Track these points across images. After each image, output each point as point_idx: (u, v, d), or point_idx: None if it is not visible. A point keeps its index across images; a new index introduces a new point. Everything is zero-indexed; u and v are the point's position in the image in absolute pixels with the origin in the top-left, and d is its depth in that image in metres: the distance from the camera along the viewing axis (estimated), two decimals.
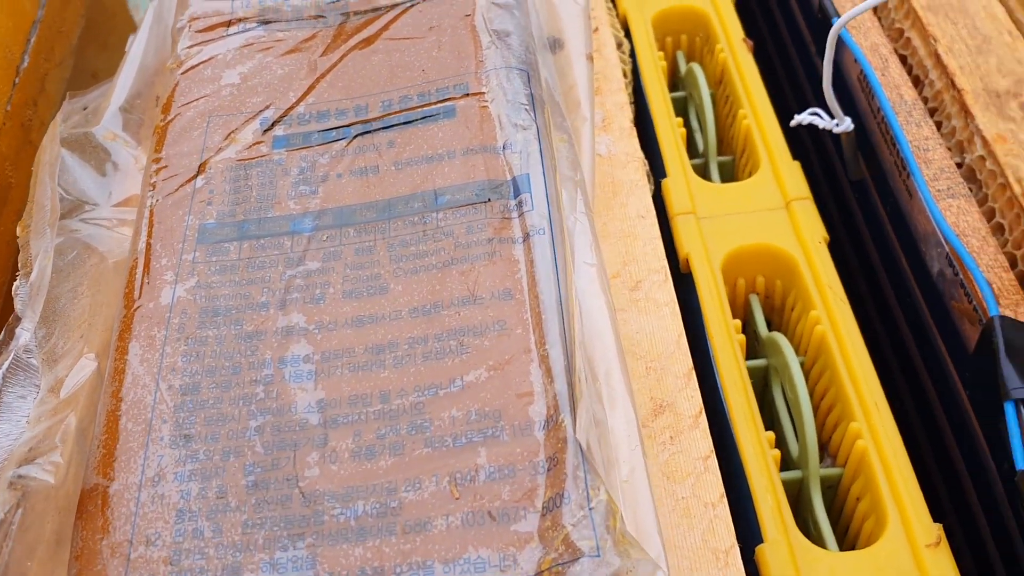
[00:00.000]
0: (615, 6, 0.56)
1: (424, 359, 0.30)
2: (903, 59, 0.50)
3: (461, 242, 0.33)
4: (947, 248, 0.39)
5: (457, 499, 0.27)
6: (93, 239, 0.41)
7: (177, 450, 0.29)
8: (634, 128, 0.47)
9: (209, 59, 0.42)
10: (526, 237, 0.33)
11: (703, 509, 0.33)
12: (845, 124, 0.40)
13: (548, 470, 0.27)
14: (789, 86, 0.58)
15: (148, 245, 0.35)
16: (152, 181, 0.38)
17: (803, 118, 0.41)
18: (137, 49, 0.50)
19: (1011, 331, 0.36)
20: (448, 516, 0.27)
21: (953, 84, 0.45)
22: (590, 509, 0.26)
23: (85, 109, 0.48)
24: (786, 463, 0.41)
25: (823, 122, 0.40)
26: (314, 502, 0.28)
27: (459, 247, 0.33)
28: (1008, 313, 0.37)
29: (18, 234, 0.41)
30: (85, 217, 0.42)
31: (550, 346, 0.30)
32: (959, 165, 0.44)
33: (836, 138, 0.51)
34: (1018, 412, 0.34)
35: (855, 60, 0.47)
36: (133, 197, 0.44)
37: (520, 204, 0.34)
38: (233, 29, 0.44)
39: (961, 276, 0.39)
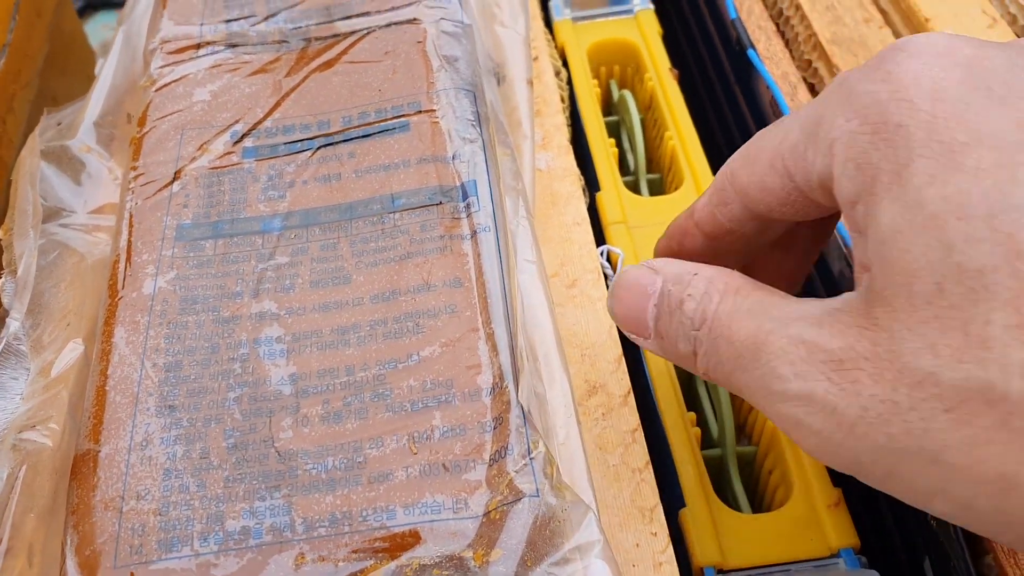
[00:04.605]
0: (554, 38, 0.61)
1: (384, 338, 0.34)
2: (811, 87, 0.55)
3: (416, 238, 0.38)
4: (845, 250, 0.45)
5: (415, 454, 0.31)
6: (72, 241, 0.44)
7: (162, 418, 0.33)
8: (571, 147, 0.51)
9: (181, 78, 0.46)
10: (474, 234, 0.37)
11: (631, 474, 0.38)
12: None
13: (494, 428, 0.31)
14: (711, 110, 0.64)
15: (129, 243, 0.38)
16: (131, 187, 0.41)
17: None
18: (108, 70, 0.54)
19: None
20: (407, 468, 0.31)
21: None
22: (530, 459, 0.30)
23: (59, 124, 0.51)
24: (707, 444, 0.45)
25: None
26: (288, 459, 0.31)
27: (414, 243, 0.37)
28: None
29: (0, 237, 0.44)
30: (63, 222, 0.45)
31: (495, 325, 0.34)
32: None
33: None
34: None
35: (767, 87, 0.52)
36: (107, 205, 0.47)
37: (468, 206, 0.38)
38: (202, 51, 0.48)
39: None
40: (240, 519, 0.30)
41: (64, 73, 0.81)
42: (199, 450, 0.32)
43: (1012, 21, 0.56)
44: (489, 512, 0.29)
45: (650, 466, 0.38)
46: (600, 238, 0.49)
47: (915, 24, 0.55)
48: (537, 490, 0.30)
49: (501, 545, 0.29)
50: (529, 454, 0.31)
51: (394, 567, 0.29)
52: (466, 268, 0.36)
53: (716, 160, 0.54)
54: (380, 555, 0.29)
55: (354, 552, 0.29)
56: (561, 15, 0.62)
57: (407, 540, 0.29)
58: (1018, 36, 0.54)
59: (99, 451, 0.32)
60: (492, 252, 0.37)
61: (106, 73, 0.54)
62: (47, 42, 0.74)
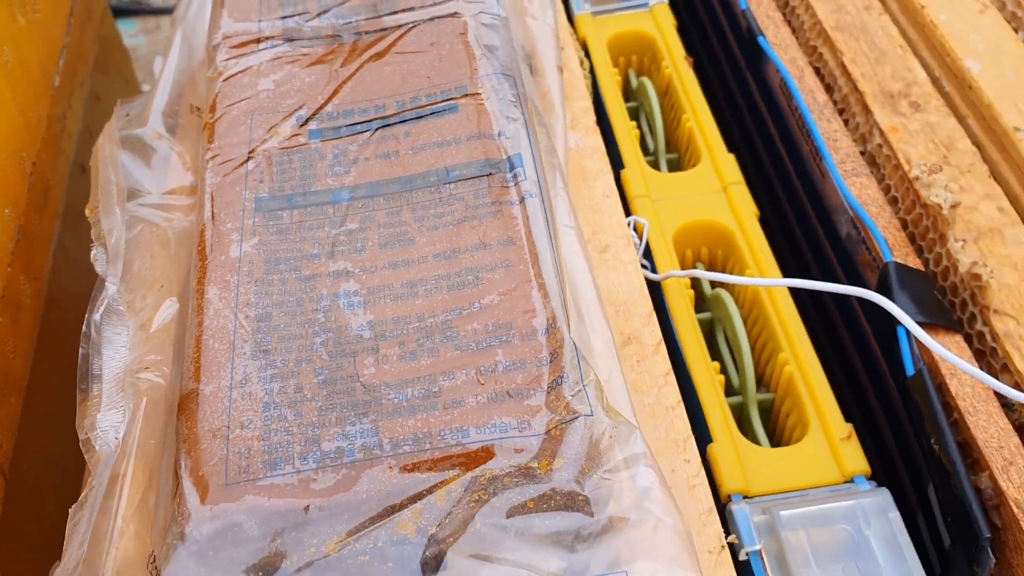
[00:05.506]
0: (575, 30, 0.66)
1: (448, 289, 0.39)
2: (816, 70, 0.60)
3: (470, 204, 0.42)
4: (852, 215, 0.49)
5: (482, 385, 0.36)
6: (151, 218, 0.49)
7: (258, 361, 0.37)
8: (597, 128, 0.56)
9: (245, 69, 0.51)
10: (522, 200, 0.42)
11: (665, 411, 0.42)
12: None
13: (550, 362, 0.36)
14: (722, 93, 0.68)
15: (213, 214, 0.43)
16: (208, 166, 0.46)
17: None
18: (170, 65, 0.58)
19: (902, 273, 0.46)
20: (477, 396, 0.35)
21: (856, 88, 0.55)
22: (584, 385, 0.35)
23: (128, 115, 0.56)
24: (729, 392, 0.50)
25: None
26: (373, 391, 0.36)
27: (469, 208, 0.42)
28: (900, 261, 0.47)
29: (87, 214, 0.49)
30: (141, 202, 0.50)
31: (546, 276, 0.39)
32: (862, 153, 0.54)
33: (765, 138, 0.61)
34: (907, 333, 0.44)
35: (776, 70, 0.57)
36: (179, 187, 0.52)
37: (515, 176, 0.43)
38: (262, 45, 0.52)
39: (863, 235, 0.48)
40: (334, 441, 0.35)
41: (105, 74, 0.86)
42: (293, 386, 0.36)
43: (1001, 7, 0.60)
44: (550, 430, 0.34)
45: (682, 404, 0.43)
46: (626, 211, 0.54)
47: (911, 10, 0.60)
48: (591, 410, 0.34)
49: (562, 455, 0.33)
50: (583, 381, 0.35)
51: (470, 477, 0.33)
52: (517, 229, 0.41)
53: (728, 139, 0.59)
54: (457, 468, 0.34)
55: (435, 465, 0.34)
56: (581, 9, 0.67)
57: (480, 455, 0.34)
58: (1008, 22, 0.59)
59: (202, 390, 0.37)
60: (539, 215, 0.41)
61: (168, 68, 0.58)
62: (96, 44, 0.79)
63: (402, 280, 0.40)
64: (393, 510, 0.33)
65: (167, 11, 1.70)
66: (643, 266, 0.49)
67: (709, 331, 0.52)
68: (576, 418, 0.34)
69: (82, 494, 0.34)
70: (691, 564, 0.32)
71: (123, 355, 0.39)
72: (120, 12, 1.60)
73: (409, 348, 0.37)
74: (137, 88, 0.99)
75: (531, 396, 0.35)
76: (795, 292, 0.50)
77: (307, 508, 0.33)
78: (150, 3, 1.70)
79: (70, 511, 0.34)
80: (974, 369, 0.38)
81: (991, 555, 0.38)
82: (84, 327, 0.40)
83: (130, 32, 1.66)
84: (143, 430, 0.35)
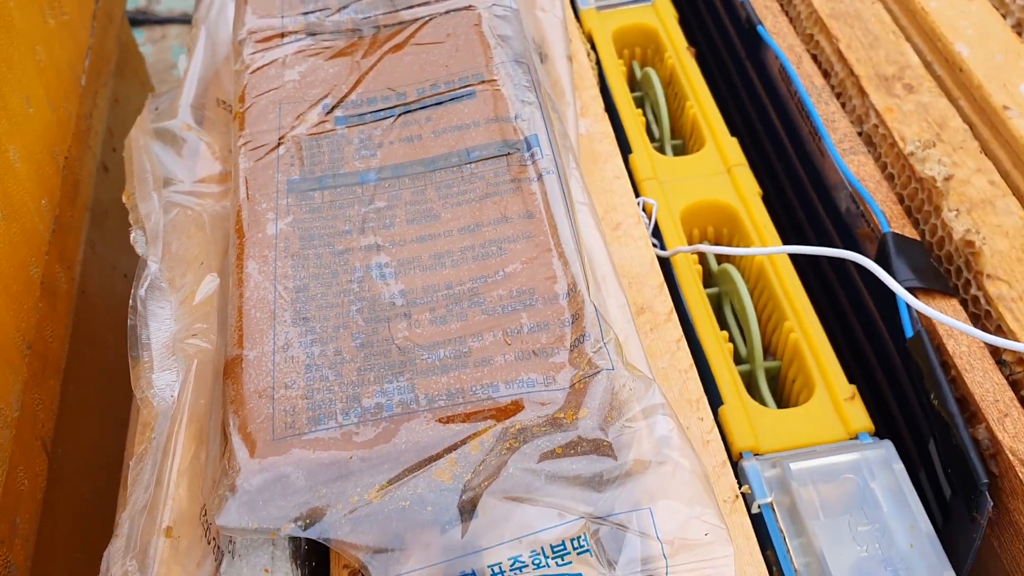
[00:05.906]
0: (581, 25, 0.69)
1: (474, 260, 0.42)
2: (814, 57, 0.62)
3: (491, 182, 0.45)
4: (851, 190, 0.52)
5: (509, 345, 0.38)
6: (186, 203, 0.51)
7: (298, 327, 0.40)
8: (606, 114, 0.59)
9: (271, 62, 0.53)
10: (539, 176, 0.45)
11: (678, 374, 0.45)
12: None
13: (572, 323, 0.38)
14: (723, 81, 0.71)
15: (248, 195, 0.46)
16: (241, 151, 0.48)
17: None
18: (196, 61, 0.61)
19: (899, 242, 0.48)
20: (505, 355, 0.38)
21: (852, 72, 0.58)
22: (605, 343, 0.38)
23: (157, 109, 0.59)
24: (737, 361, 0.52)
25: None
26: (407, 352, 0.38)
27: (490, 185, 0.45)
28: (897, 231, 0.49)
29: (124, 200, 0.52)
30: (174, 189, 0.53)
31: (564, 245, 0.41)
32: (859, 133, 0.57)
33: (766, 122, 0.64)
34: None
35: (776, 57, 0.60)
36: (209, 176, 0.54)
37: (532, 155, 0.46)
38: (286, 40, 0.55)
39: (862, 209, 0.51)
40: (374, 398, 0.37)
41: (123, 77, 0.89)
42: (333, 349, 0.39)
43: None
44: (574, 384, 0.37)
45: (694, 367, 0.45)
46: (635, 193, 0.56)
47: None
48: (612, 365, 0.37)
49: (586, 406, 0.36)
50: (603, 339, 0.38)
51: (501, 428, 0.36)
52: (536, 203, 0.43)
53: (730, 124, 0.62)
54: (489, 420, 0.36)
55: (468, 418, 0.36)
56: (587, 4, 0.70)
57: (510, 408, 0.36)
58: (996, 9, 0.61)
59: (246, 355, 0.39)
60: (556, 189, 0.44)
61: (194, 64, 0.61)
62: (117, 47, 0.81)
63: (430, 252, 0.42)
64: (430, 459, 0.36)
65: (173, 20, 1.73)
66: (653, 244, 0.52)
67: (717, 305, 0.55)
68: (598, 372, 0.37)
69: (141, 447, 0.37)
70: (710, 502, 0.34)
71: (169, 326, 0.42)
72: (132, 23, 1.63)
73: (439, 313, 0.40)
74: (152, 92, 1.02)
75: (555, 354, 0.38)
76: (798, 265, 0.53)
77: (350, 459, 0.36)
78: (156, 13, 1.73)
79: (130, 463, 0.36)
80: (964, 325, 0.41)
81: (989, 498, 0.40)
82: (131, 301, 0.42)
83: (137, 42, 1.69)
84: (194, 390, 0.38)
